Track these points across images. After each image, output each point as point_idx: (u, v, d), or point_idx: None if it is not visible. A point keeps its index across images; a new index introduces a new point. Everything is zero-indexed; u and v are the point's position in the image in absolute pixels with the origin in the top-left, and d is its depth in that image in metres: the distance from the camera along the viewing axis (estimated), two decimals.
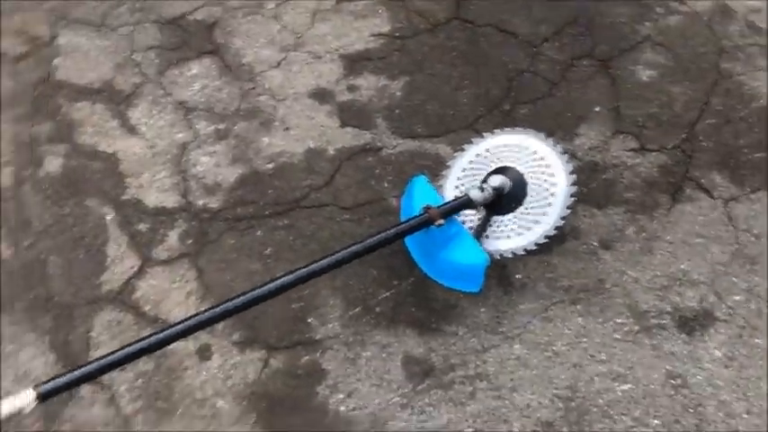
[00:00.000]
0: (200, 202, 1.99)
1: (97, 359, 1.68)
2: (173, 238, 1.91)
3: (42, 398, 1.43)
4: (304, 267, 1.81)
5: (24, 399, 1.41)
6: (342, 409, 1.65)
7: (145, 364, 1.69)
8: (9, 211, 1.92)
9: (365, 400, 1.67)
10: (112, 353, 1.68)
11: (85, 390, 1.65)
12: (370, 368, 1.72)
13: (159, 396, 1.65)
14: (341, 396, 1.67)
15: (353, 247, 1.80)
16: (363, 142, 2.11)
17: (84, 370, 1.60)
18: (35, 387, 1.42)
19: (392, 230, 1.69)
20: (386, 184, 2.01)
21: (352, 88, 2.24)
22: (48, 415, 1.61)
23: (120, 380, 1.67)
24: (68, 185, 1.99)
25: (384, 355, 1.73)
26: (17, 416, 1.52)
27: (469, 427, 1.61)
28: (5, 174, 2.00)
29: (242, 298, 1.74)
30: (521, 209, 1.80)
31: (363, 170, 2.05)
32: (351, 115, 2.17)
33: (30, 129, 2.11)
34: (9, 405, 1.44)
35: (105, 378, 1.66)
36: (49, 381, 1.57)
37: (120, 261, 1.86)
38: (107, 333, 1.74)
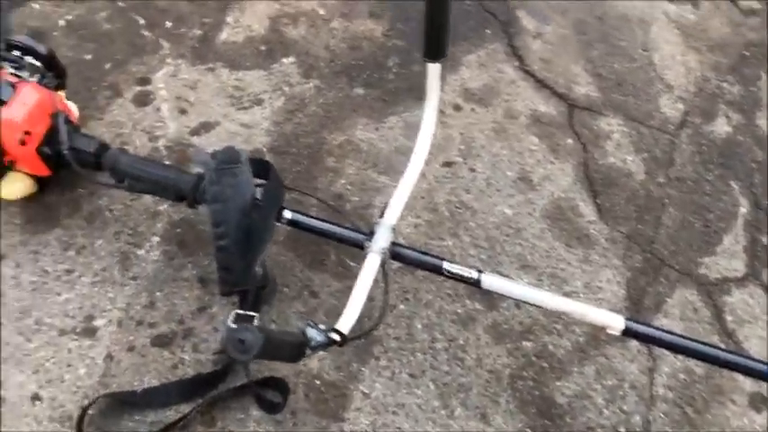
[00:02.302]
0: None
1: (663, 329, 1.62)
2: None
3: (625, 332, 1.42)
4: None
5: (614, 322, 1.42)
6: None
7: (697, 365, 1.59)
8: (662, 144, 1.91)
9: None
10: (683, 337, 1.61)
11: (634, 344, 1.62)
12: None
13: (693, 404, 1.55)
14: None
15: None
16: None
17: (661, 335, 1.55)
18: (626, 319, 1.42)
19: None
20: None
21: None
22: (579, 346, 1.62)
23: (668, 361, 1.60)
24: (723, 154, 1.90)
25: None
26: (600, 330, 1.55)
27: None
28: (677, 109, 1.98)
29: None
30: None
31: None
32: None
33: (721, 82, 2.04)
34: (600, 317, 1.46)
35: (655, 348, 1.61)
36: (636, 322, 1.56)
37: (730, 257, 1.74)
38: (679, 309, 1.67)
